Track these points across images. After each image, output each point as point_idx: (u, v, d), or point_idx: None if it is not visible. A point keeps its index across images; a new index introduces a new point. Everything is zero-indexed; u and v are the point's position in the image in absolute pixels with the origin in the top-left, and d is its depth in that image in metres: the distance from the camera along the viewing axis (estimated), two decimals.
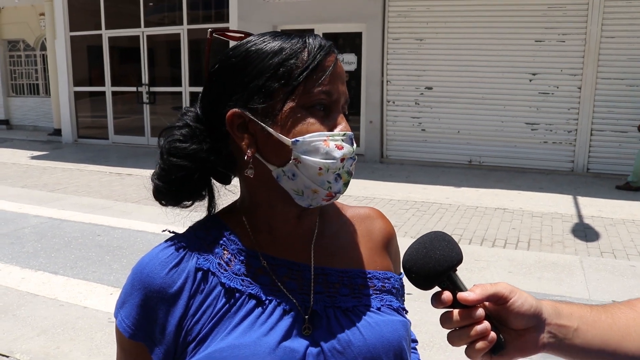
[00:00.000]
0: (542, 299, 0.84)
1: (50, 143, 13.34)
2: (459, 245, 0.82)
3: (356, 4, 9.98)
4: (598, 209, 6.94)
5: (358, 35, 10.35)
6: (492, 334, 0.76)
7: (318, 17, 10.26)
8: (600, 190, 8.01)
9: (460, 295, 0.78)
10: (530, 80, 9.28)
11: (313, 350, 0.87)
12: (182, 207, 0.98)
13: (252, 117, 0.88)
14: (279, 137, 0.87)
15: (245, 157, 0.90)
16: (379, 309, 0.95)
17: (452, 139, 9.88)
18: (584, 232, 6.09)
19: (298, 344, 0.87)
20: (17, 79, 16.56)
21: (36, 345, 3.68)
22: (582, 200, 7.44)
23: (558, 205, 7.15)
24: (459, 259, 0.79)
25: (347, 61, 10.37)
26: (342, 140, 0.87)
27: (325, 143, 0.86)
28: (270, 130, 0.87)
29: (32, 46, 15.99)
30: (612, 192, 7.80)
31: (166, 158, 0.93)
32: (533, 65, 9.21)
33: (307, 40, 0.90)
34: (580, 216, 6.70)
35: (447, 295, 0.78)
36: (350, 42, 10.56)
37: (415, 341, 1.14)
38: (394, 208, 7.01)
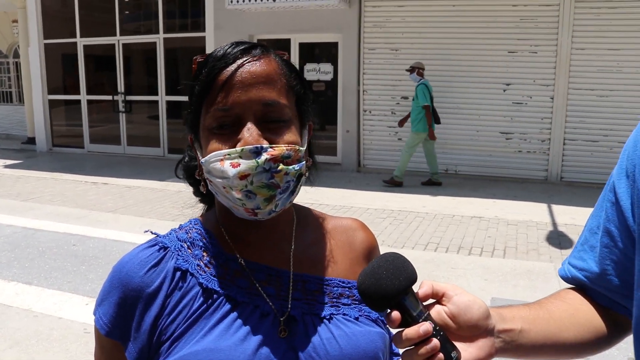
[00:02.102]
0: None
1: (23, 152, 13.14)
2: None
3: (332, 14, 10.05)
4: (571, 217, 7.06)
5: (334, 45, 10.42)
6: (440, 355, 0.76)
7: (294, 27, 10.30)
8: (573, 198, 8.15)
9: (420, 291, 0.81)
10: (504, 91, 9.43)
11: (289, 356, 0.88)
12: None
13: (192, 140, 0.96)
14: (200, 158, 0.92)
15: (196, 175, 0.97)
16: (357, 318, 0.95)
17: None
18: (558, 239, 6.19)
19: (275, 350, 0.87)
20: None
21: (9, 357, 3.62)
22: (556, 208, 7.56)
23: (533, 214, 7.26)
24: (407, 284, 0.78)
25: (324, 71, 10.44)
26: (240, 157, 0.84)
27: (221, 163, 0.85)
28: (197, 152, 0.93)
29: (5, 53, 15.81)
30: (585, 200, 7.94)
31: (181, 174, 1.08)
32: (507, 76, 9.36)
33: (216, 53, 0.90)
34: (554, 224, 6.81)
35: (395, 314, 0.77)
36: (327, 52, 10.62)
37: (397, 355, 1.15)
38: (371, 217, 7.05)
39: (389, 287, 0.78)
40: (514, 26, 9.22)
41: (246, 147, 0.83)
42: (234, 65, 0.87)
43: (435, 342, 0.76)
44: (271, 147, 0.85)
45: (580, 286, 1.01)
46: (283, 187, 0.86)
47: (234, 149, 0.84)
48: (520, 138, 9.49)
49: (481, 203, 7.88)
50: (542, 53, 9.15)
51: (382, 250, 0.89)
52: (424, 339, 0.76)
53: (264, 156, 0.83)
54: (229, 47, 0.89)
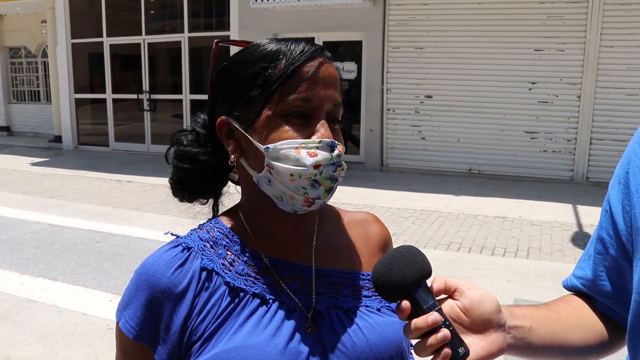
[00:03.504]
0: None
1: (50, 150, 13.36)
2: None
3: (356, 12, 10.02)
4: (597, 218, 6.89)
5: (358, 44, 10.39)
6: (447, 349, 0.76)
7: (318, 26, 10.30)
8: (599, 199, 7.98)
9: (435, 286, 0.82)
10: (530, 89, 9.31)
11: (318, 350, 0.89)
12: (200, 204, 1.07)
13: (235, 124, 0.93)
14: (255, 144, 0.90)
15: (229, 162, 0.96)
16: (379, 309, 0.97)
17: (452, 148, 9.90)
18: (584, 241, 6.08)
19: (303, 344, 0.89)
20: (18, 86, 16.61)
21: (35, 351, 3.67)
22: (581, 209, 7.44)
23: (557, 214, 7.16)
24: (417, 277, 0.79)
25: (347, 69, 10.40)
26: (317, 147, 0.87)
27: (296, 151, 0.87)
28: (249, 137, 0.91)
29: (34, 53, 16.04)
30: None
31: (172, 160, 1.03)
32: (532, 74, 9.24)
33: (289, 46, 0.91)
34: (579, 225, 6.70)
35: (404, 304, 0.79)
36: (351, 51, 10.60)
37: (412, 346, 1.15)
38: (394, 216, 7.01)
39: (400, 278, 0.79)
40: (540, 24, 9.09)
41: (325, 139, 0.88)
42: (314, 61, 0.91)
43: (445, 331, 0.76)
44: (339, 144, 0.90)
45: (579, 294, 1.04)
46: (340, 181, 0.92)
47: (311, 140, 0.88)
48: (546, 137, 9.36)
49: (505, 203, 7.79)
50: (570, 51, 9.01)
51: None
52: (434, 330, 0.77)
53: (336, 151, 0.89)
54: (306, 44, 0.92)
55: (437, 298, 0.82)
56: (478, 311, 0.82)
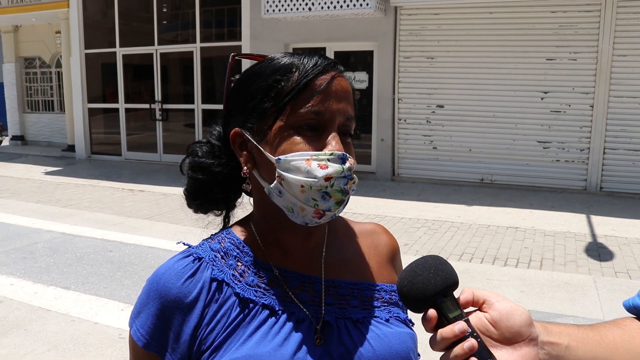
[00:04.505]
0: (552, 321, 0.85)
1: (63, 159, 13.47)
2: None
3: (368, 22, 10.05)
4: (612, 228, 6.87)
5: (369, 54, 10.40)
6: (474, 359, 0.75)
7: (330, 36, 10.33)
8: (613, 209, 7.94)
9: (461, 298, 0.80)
10: (542, 99, 9.27)
11: None
12: (214, 215, 1.07)
13: (248, 136, 0.94)
14: (267, 155, 0.91)
15: (242, 173, 0.96)
16: (387, 320, 0.98)
17: (464, 157, 9.87)
18: (598, 251, 6.03)
19: (310, 355, 0.89)
20: (32, 96, 16.78)
21: None
22: (595, 219, 7.38)
23: (571, 224, 7.10)
24: (443, 285, 0.79)
25: (359, 79, 10.42)
26: (328, 160, 0.87)
27: (307, 162, 0.87)
28: (261, 148, 0.92)
29: (48, 63, 16.22)
30: (626, 211, 7.73)
31: (186, 171, 1.04)
32: (544, 84, 9.20)
33: (303, 59, 0.93)
34: (593, 235, 6.64)
35: (430, 312, 0.78)
36: (362, 61, 10.62)
37: (419, 355, 1.15)
38: (405, 226, 6.99)
39: (424, 286, 0.79)
40: (552, 33, 9.06)
41: (336, 152, 0.88)
42: (327, 75, 0.91)
43: (472, 341, 0.75)
44: (350, 157, 0.90)
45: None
46: (350, 194, 0.91)
47: (322, 152, 0.88)
48: (559, 147, 9.30)
49: (518, 213, 7.73)
50: (582, 60, 8.96)
51: (406, 258, 0.88)
52: (460, 341, 0.76)
53: (348, 164, 0.89)
54: (319, 58, 0.93)
55: (465, 310, 0.81)
56: (507, 323, 0.80)
